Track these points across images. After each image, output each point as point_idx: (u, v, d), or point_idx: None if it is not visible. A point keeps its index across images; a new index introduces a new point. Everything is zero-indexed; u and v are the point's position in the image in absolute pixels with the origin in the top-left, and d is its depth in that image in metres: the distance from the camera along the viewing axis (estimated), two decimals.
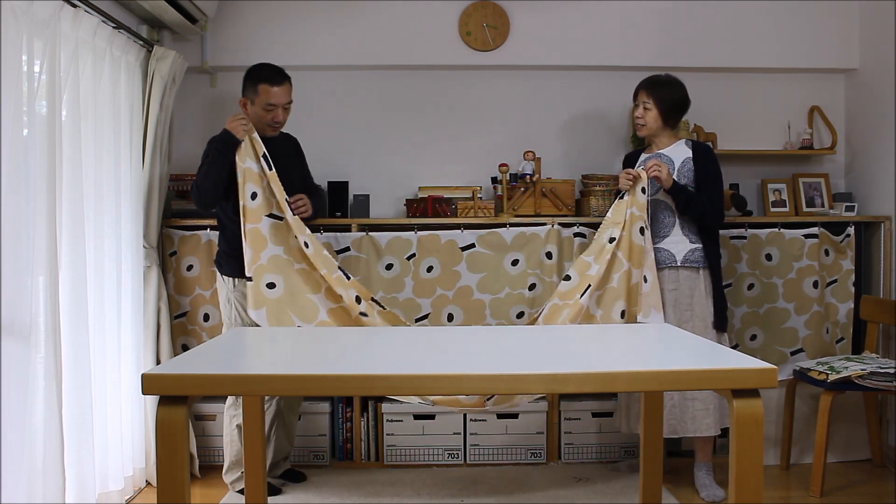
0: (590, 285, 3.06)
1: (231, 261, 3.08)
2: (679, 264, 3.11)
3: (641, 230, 3.12)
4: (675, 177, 3.11)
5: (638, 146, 3.79)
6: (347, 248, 3.50)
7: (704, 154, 3.14)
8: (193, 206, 3.47)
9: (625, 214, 3.13)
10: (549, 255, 3.51)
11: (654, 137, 3.21)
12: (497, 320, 3.53)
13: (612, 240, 3.12)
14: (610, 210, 3.20)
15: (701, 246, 3.10)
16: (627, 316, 3.13)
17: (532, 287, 3.54)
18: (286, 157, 3.22)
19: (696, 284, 3.10)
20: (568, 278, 3.12)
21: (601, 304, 3.13)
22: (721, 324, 3.12)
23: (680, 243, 3.12)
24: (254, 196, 3.00)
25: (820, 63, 3.89)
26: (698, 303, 3.09)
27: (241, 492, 3.13)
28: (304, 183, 3.32)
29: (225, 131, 2.96)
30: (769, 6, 3.86)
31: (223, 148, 2.95)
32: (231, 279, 3.09)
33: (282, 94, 3.09)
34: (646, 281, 3.09)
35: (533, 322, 3.20)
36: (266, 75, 3.08)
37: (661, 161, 3.14)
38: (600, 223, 3.21)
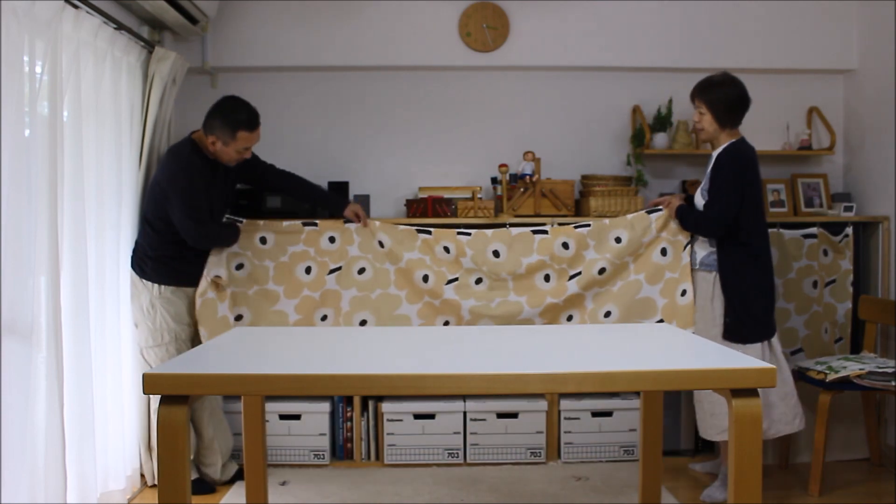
0: (580, 272, 3.29)
1: (160, 268, 3.05)
2: (697, 267, 3.17)
3: (664, 251, 3.27)
4: (703, 182, 3.10)
5: (637, 146, 3.81)
6: None
7: (719, 161, 3.03)
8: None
9: (651, 230, 3.28)
10: None
11: (714, 141, 3.10)
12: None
13: (617, 239, 3.29)
14: (633, 214, 3.33)
15: (716, 250, 3.10)
16: (617, 320, 3.30)
17: None
18: (237, 167, 3.19)
19: (708, 287, 3.11)
20: (566, 246, 3.33)
21: (595, 301, 3.34)
22: (733, 334, 2.99)
23: (701, 247, 3.17)
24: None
25: (818, 64, 3.90)
26: (706, 305, 3.11)
27: (230, 480, 3.25)
28: (270, 171, 3.35)
29: (238, 235, 3.25)
30: (768, 7, 3.87)
31: (235, 240, 3.25)
32: (156, 286, 3.05)
33: (258, 135, 3.05)
34: (683, 294, 3.24)
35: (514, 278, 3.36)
36: (244, 121, 2.97)
37: (672, 200, 3.25)
38: (600, 222, 3.35)
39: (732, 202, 2.95)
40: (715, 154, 3.06)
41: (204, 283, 3.16)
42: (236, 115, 2.98)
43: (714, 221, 3.01)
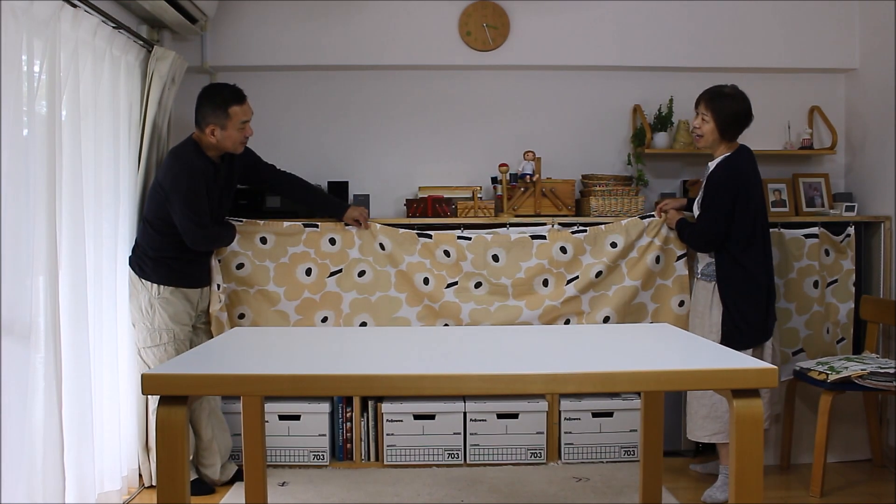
0: (578, 276, 3.35)
1: (160, 268, 3.03)
2: (699, 276, 3.20)
3: (657, 259, 3.36)
4: (700, 193, 3.14)
5: (638, 146, 3.80)
6: None
7: (713, 176, 3.06)
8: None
9: (644, 235, 3.37)
10: None
11: (710, 149, 3.13)
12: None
13: (613, 244, 3.37)
14: (628, 219, 3.39)
15: (714, 261, 3.10)
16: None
17: None
18: (238, 168, 3.23)
19: (708, 296, 3.12)
20: (564, 250, 3.37)
21: (592, 305, 3.39)
22: (729, 341, 2.95)
23: (702, 257, 3.19)
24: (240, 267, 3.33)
25: (820, 63, 3.89)
26: (705, 313, 3.12)
27: (229, 481, 3.25)
28: (270, 172, 3.37)
29: (235, 233, 3.30)
30: (769, 6, 3.86)
31: (233, 239, 3.31)
32: (155, 286, 3.03)
33: (249, 107, 3.08)
34: (681, 305, 3.39)
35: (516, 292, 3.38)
36: (230, 97, 3.01)
37: (670, 208, 3.36)
38: (600, 223, 3.42)
39: (720, 220, 3.02)
40: (711, 166, 3.10)
41: (217, 303, 3.19)
42: (221, 93, 3.03)
43: (702, 238, 3.11)
